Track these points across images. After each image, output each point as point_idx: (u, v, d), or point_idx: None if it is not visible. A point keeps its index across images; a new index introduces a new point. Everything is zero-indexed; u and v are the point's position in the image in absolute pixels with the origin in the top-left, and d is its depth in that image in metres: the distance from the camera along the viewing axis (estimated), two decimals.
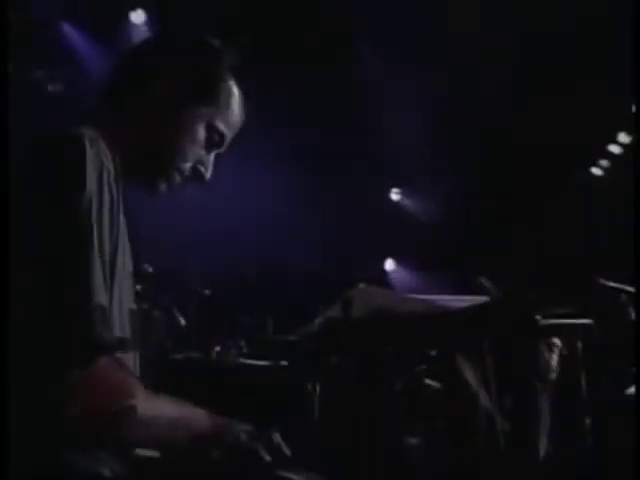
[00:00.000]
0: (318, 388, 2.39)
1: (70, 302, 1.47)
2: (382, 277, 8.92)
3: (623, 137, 7.79)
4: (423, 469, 2.46)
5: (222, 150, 1.85)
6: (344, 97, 7.52)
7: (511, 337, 2.81)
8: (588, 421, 3.30)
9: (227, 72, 1.80)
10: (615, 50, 6.00)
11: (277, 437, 1.66)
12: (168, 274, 3.84)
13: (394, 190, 9.18)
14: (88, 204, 1.51)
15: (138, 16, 7.03)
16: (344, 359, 2.42)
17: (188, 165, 1.78)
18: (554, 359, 3.69)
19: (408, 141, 7.72)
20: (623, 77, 5.10)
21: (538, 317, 2.71)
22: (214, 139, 1.80)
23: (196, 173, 1.81)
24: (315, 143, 7.73)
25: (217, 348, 3.53)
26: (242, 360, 3.34)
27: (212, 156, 1.83)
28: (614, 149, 7.91)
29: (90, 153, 1.54)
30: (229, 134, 1.83)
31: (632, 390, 3.31)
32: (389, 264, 9.42)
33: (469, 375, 2.63)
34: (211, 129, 1.78)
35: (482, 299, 2.67)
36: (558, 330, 3.14)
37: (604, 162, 8.06)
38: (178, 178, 1.79)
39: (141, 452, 1.66)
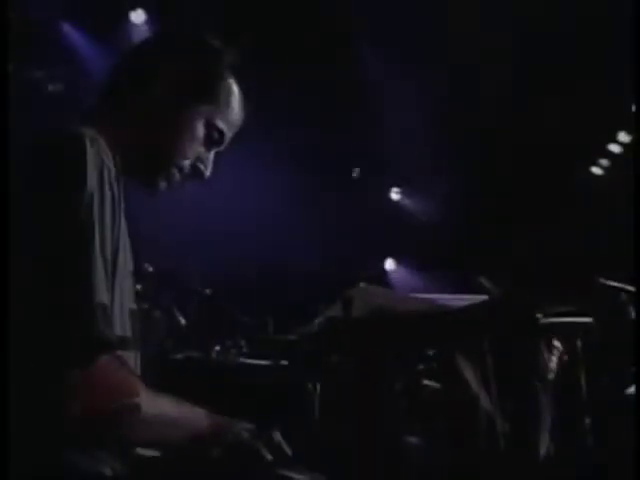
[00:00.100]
0: (318, 388, 2.39)
1: (72, 301, 1.47)
2: (382, 277, 8.92)
3: (623, 137, 7.79)
4: (423, 469, 2.46)
5: (222, 148, 1.85)
6: (344, 97, 7.52)
7: (511, 336, 2.81)
8: (588, 421, 3.30)
9: (227, 71, 1.81)
10: (615, 50, 6.00)
11: (278, 436, 1.66)
12: (168, 274, 3.84)
13: (394, 190, 9.18)
14: (89, 202, 1.52)
15: (138, 16, 7.03)
16: (344, 358, 2.42)
17: (187, 162, 1.79)
18: (553, 360, 3.69)
19: (408, 141, 7.71)
20: (623, 77, 5.11)
21: (539, 316, 2.71)
22: (214, 137, 1.80)
23: (195, 171, 1.81)
24: (315, 143, 7.73)
25: (217, 348, 3.53)
26: (242, 360, 3.34)
27: (212, 154, 1.83)
28: (614, 148, 7.91)
29: (90, 152, 1.55)
30: (229, 132, 1.83)
31: (632, 390, 3.31)
32: (389, 264, 9.42)
33: (469, 375, 2.64)
34: (210, 127, 1.79)
35: (482, 298, 2.67)
36: (558, 329, 3.14)
37: (604, 162, 8.06)
38: (178, 176, 1.79)
39: (142, 452, 1.66)
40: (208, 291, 3.86)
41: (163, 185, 1.80)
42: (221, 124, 1.80)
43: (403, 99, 7.38)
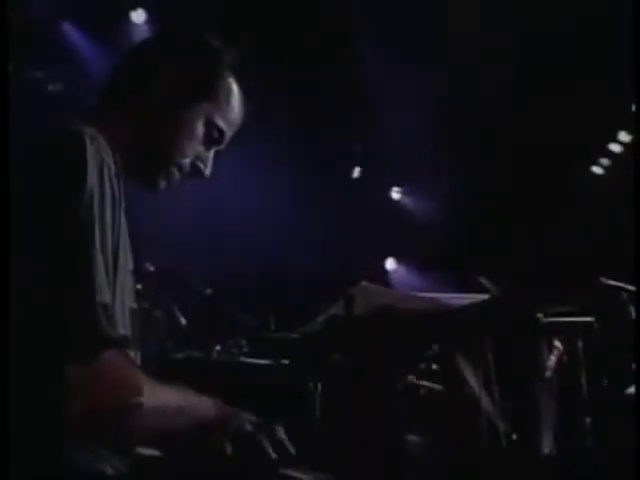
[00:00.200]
0: (320, 387, 2.39)
1: (73, 300, 1.47)
2: (383, 276, 8.92)
3: (623, 136, 7.79)
4: (424, 468, 2.46)
5: (222, 147, 1.86)
6: (344, 97, 7.52)
7: (512, 336, 2.81)
8: (588, 420, 3.30)
9: (227, 71, 1.81)
10: (615, 50, 6.00)
11: (281, 431, 1.67)
12: (169, 273, 3.84)
13: (395, 189, 9.17)
14: (89, 200, 1.52)
15: (138, 15, 7.03)
16: (346, 357, 2.42)
17: (187, 161, 1.79)
18: (552, 360, 3.70)
19: (408, 141, 7.71)
20: (623, 77, 5.11)
21: (539, 315, 2.71)
22: (213, 136, 1.80)
23: (195, 170, 1.82)
24: (315, 143, 7.73)
25: (218, 347, 3.53)
26: (243, 359, 3.34)
27: (211, 153, 1.84)
28: (614, 148, 7.91)
29: (91, 150, 1.55)
30: (228, 131, 1.83)
31: (632, 390, 3.31)
32: (390, 263, 9.41)
33: (470, 374, 2.64)
34: (210, 125, 1.79)
35: (483, 297, 2.67)
36: (559, 329, 3.15)
37: (604, 161, 8.06)
38: (178, 175, 1.80)
39: (143, 450, 1.66)
40: (209, 291, 3.86)
41: (163, 184, 1.80)
42: (221, 123, 1.80)
43: (403, 99, 7.38)
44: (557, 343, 3.76)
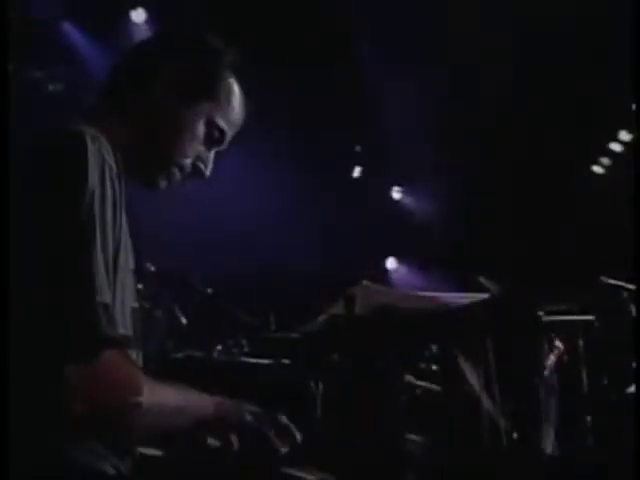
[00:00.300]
0: (321, 386, 2.39)
1: (73, 299, 1.47)
2: (383, 276, 8.92)
3: (623, 135, 7.80)
4: (423, 468, 2.46)
5: (222, 147, 1.86)
6: (344, 97, 7.52)
7: (513, 335, 2.81)
8: (589, 420, 3.30)
9: (227, 71, 1.81)
10: (615, 50, 6.01)
11: (284, 419, 1.67)
12: (169, 273, 3.84)
13: (395, 189, 9.17)
14: (90, 200, 1.52)
15: (138, 15, 7.03)
16: (345, 357, 2.42)
17: (188, 161, 1.79)
18: (551, 359, 3.70)
19: (408, 141, 7.72)
20: (623, 77, 5.11)
21: (540, 314, 2.71)
22: (214, 136, 1.80)
23: (196, 170, 1.81)
24: (315, 143, 7.73)
25: (219, 347, 3.52)
26: (243, 359, 3.33)
27: (212, 153, 1.84)
28: (614, 148, 7.91)
29: (92, 149, 1.55)
30: (229, 131, 1.83)
31: (632, 388, 3.32)
32: (390, 263, 9.42)
33: (471, 374, 2.64)
34: (211, 125, 1.79)
35: (483, 296, 2.67)
36: (560, 327, 3.15)
37: (604, 161, 8.07)
38: (178, 175, 1.80)
39: (144, 450, 1.66)
40: (209, 290, 3.86)
41: (163, 184, 1.80)
42: (221, 122, 1.80)
43: (403, 99, 7.38)
44: (558, 343, 3.77)
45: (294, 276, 7.41)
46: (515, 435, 2.86)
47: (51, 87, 6.61)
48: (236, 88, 1.82)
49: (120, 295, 1.61)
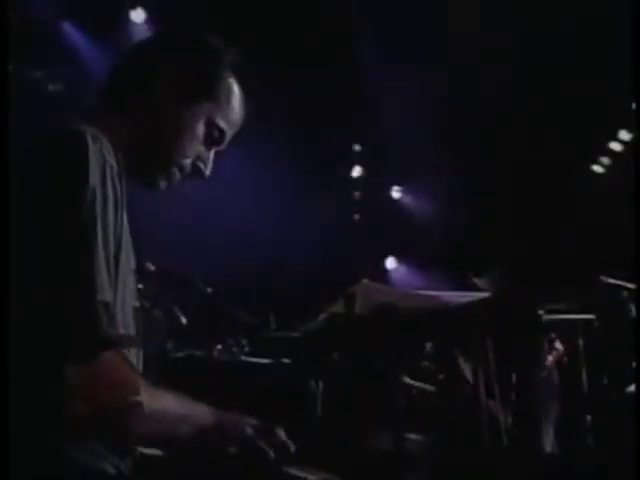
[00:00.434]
0: (321, 385, 2.39)
1: (74, 298, 1.47)
2: (383, 275, 8.93)
3: (623, 135, 7.80)
4: (424, 466, 2.46)
5: (222, 148, 1.85)
6: (344, 97, 7.52)
7: (513, 334, 2.81)
8: (589, 419, 3.30)
9: (227, 71, 1.81)
10: (615, 50, 6.01)
11: (281, 433, 1.66)
12: (169, 273, 3.84)
13: (395, 188, 9.18)
14: (91, 199, 1.51)
15: (138, 15, 7.03)
16: (346, 355, 2.42)
17: (188, 161, 1.79)
18: (550, 360, 3.70)
19: (408, 141, 7.72)
20: (623, 77, 5.11)
21: (540, 313, 2.72)
22: (214, 136, 1.80)
23: (196, 170, 1.81)
24: (315, 143, 7.74)
25: (219, 346, 3.53)
26: (244, 358, 3.34)
27: (212, 153, 1.83)
28: (614, 148, 7.92)
29: (93, 148, 1.55)
30: (229, 131, 1.83)
31: (632, 387, 3.32)
32: (390, 262, 9.42)
33: (470, 373, 2.64)
34: (211, 125, 1.79)
35: (483, 295, 2.67)
36: (560, 326, 3.15)
37: (604, 160, 8.07)
38: (178, 175, 1.80)
39: (144, 449, 1.66)
40: (209, 290, 3.86)
41: (163, 184, 1.80)
42: (221, 123, 1.80)
43: (403, 99, 7.38)
44: (558, 344, 3.77)
45: (294, 276, 7.41)
46: (515, 434, 2.86)
47: (51, 87, 6.61)
48: (236, 88, 1.82)
49: (121, 294, 1.61)
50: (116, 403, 1.49)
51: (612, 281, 3.47)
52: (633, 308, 3.35)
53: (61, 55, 6.83)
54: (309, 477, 1.63)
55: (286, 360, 2.75)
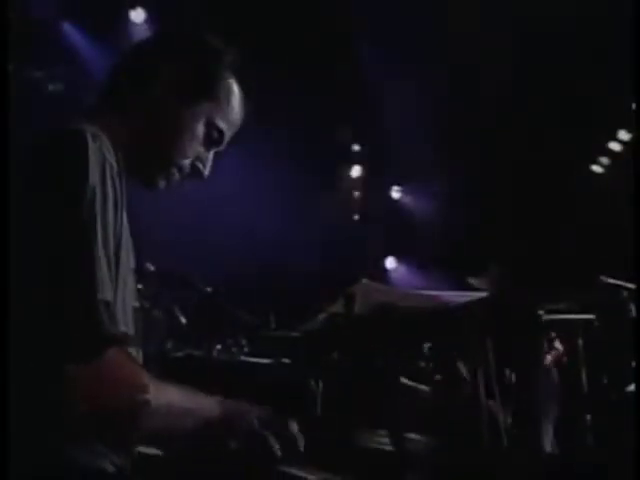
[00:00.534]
0: (321, 385, 2.38)
1: (75, 297, 1.47)
2: (383, 275, 8.93)
3: (623, 135, 7.81)
4: (424, 467, 2.46)
5: (221, 148, 1.86)
6: (344, 97, 7.52)
7: (513, 334, 2.81)
8: (589, 419, 3.30)
9: (227, 71, 1.81)
10: (615, 50, 6.01)
11: (293, 426, 1.65)
12: (169, 273, 3.84)
13: (395, 188, 9.19)
14: (91, 197, 1.52)
15: (138, 15, 7.04)
16: (344, 356, 2.42)
17: (187, 162, 1.79)
18: (549, 359, 3.70)
19: (408, 141, 7.72)
20: (623, 77, 5.11)
21: (540, 313, 2.72)
22: (213, 136, 1.80)
23: (195, 170, 1.81)
24: (315, 143, 7.74)
25: (218, 346, 3.53)
26: (243, 358, 3.34)
27: (211, 154, 1.84)
28: (614, 148, 7.92)
29: (93, 147, 1.55)
30: (228, 131, 1.83)
31: (632, 387, 3.32)
32: (390, 262, 9.42)
33: (470, 373, 2.64)
34: (210, 126, 1.79)
35: (483, 295, 2.67)
36: (560, 326, 3.15)
37: (604, 160, 8.08)
38: (177, 175, 1.80)
39: (144, 450, 1.66)
40: (209, 289, 3.86)
41: (162, 184, 1.80)
42: (221, 123, 1.80)
43: (403, 99, 7.38)
44: (557, 344, 3.77)
45: (294, 276, 7.41)
46: (515, 434, 2.86)
47: (51, 87, 6.61)
48: (236, 88, 1.82)
49: (121, 293, 1.61)
50: (123, 401, 1.49)
51: (612, 281, 3.48)
52: (633, 308, 3.35)
53: (61, 55, 6.83)
54: (309, 477, 1.63)
55: (286, 360, 2.75)
